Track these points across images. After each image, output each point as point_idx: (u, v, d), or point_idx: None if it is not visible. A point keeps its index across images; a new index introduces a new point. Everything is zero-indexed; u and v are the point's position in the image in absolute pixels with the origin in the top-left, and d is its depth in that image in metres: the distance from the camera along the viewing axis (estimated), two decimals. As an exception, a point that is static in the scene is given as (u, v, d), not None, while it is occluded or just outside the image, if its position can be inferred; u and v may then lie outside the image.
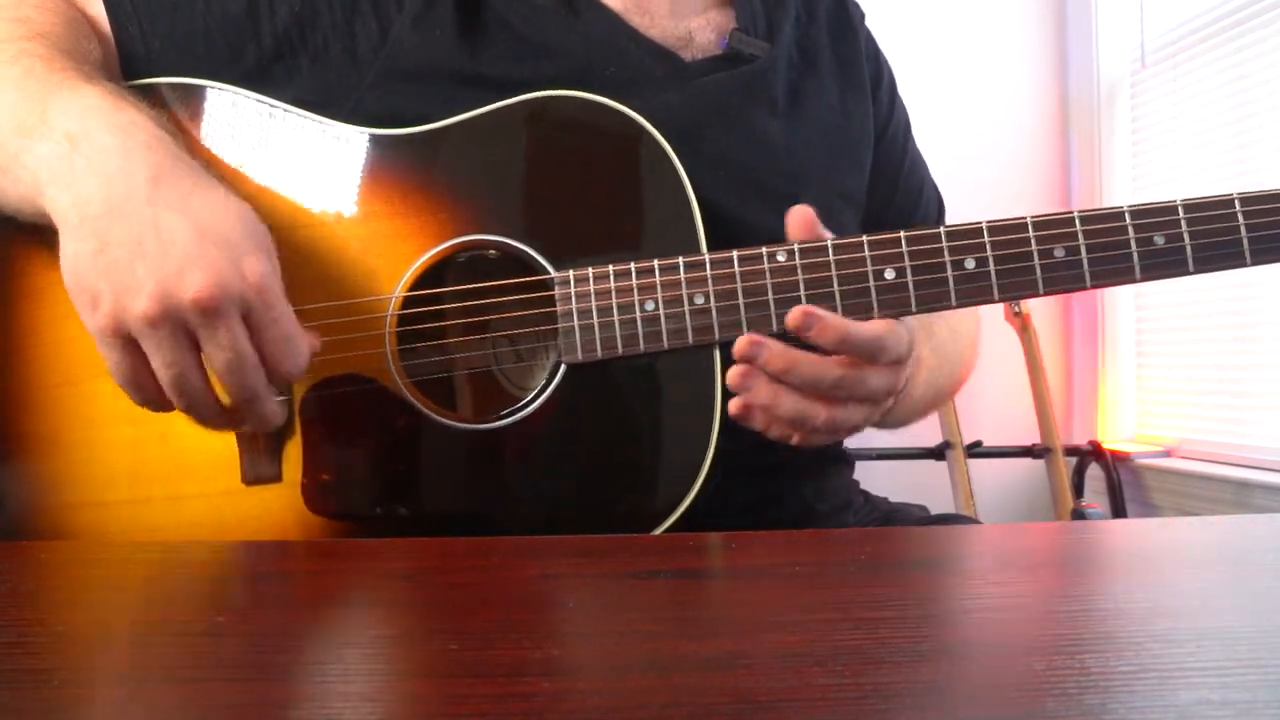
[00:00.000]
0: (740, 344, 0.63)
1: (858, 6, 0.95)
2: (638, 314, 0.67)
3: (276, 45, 0.77)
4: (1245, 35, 2.01)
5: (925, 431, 2.26)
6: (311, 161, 0.73)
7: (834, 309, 0.67)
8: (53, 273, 0.71)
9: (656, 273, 0.67)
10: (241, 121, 0.74)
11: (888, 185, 0.92)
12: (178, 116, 0.73)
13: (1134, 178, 2.39)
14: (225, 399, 0.62)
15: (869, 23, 0.96)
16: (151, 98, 0.72)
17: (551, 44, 0.78)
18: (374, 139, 0.72)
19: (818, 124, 0.84)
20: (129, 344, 0.59)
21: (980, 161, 2.38)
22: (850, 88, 0.88)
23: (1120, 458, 2.28)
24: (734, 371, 0.64)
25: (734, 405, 0.64)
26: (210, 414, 0.62)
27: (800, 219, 0.67)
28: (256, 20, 0.76)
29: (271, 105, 0.74)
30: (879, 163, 0.91)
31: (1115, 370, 2.40)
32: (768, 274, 0.67)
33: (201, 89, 0.74)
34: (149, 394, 0.61)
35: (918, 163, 0.98)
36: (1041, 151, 2.51)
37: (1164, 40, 2.26)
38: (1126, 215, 0.66)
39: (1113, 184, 2.40)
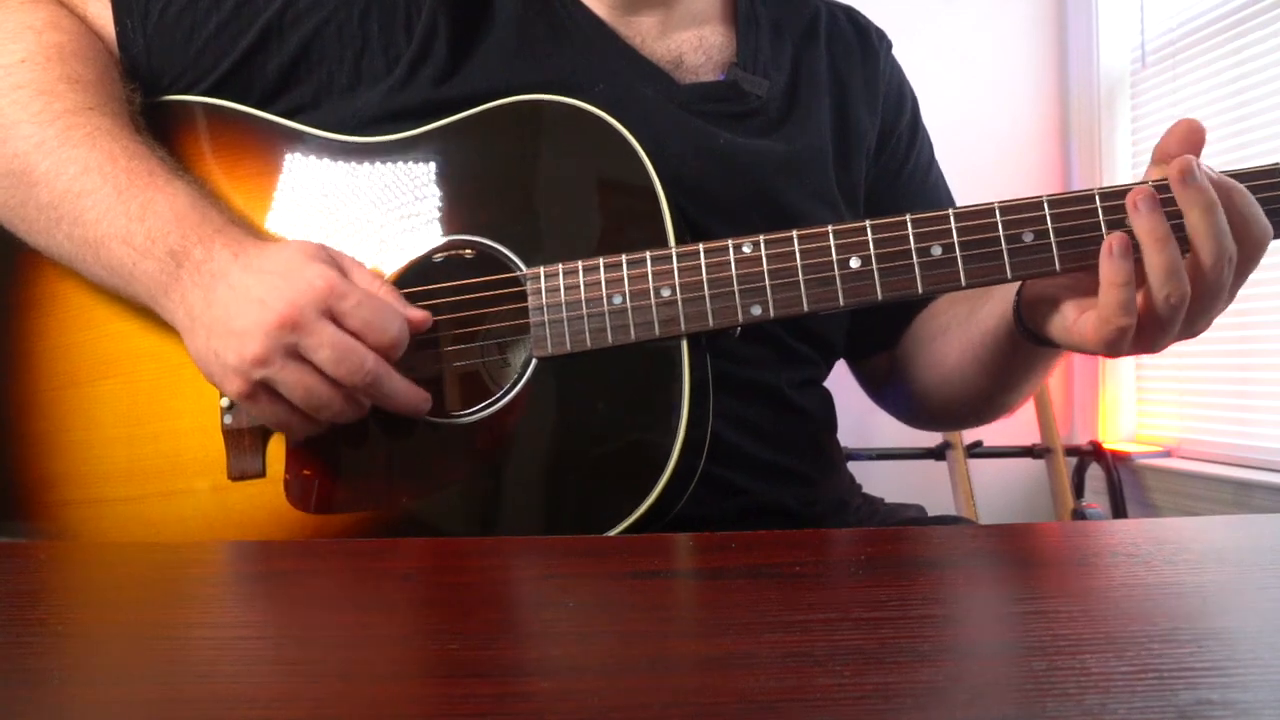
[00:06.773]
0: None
1: (883, 35, 0.94)
2: (605, 308, 0.68)
3: (283, 77, 0.78)
4: (1245, 35, 2.01)
5: (925, 432, 2.26)
6: (293, 169, 0.74)
7: (799, 299, 0.67)
8: (56, 282, 0.74)
9: (624, 267, 0.68)
10: (233, 134, 0.76)
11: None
12: (196, 132, 0.76)
13: (1134, 178, 2.38)
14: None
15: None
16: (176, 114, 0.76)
17: (546, 74, 0.78)
18: (352, 146, 0.74)
19: (806, 149, 0.84)
20: (264, 394, 0.65)
21: (980, 161, 2.38)
22: (849, 107, 0.87)
23: (1120, 458, 2.28)
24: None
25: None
26: (354, 413, 0.66)
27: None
28: (265, 57, 0.77)
29: (257, 116, 0.76)
30: (899, 192, 0.90)
31: (1115, 370, 2.40)
32: (733, 265, 0.68)
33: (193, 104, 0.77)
34: (302, 425, 0.66)
35: (940, 190, 0.97)
36: (1041, 151, 2.50)
37: (1164, 40, 2.26)
38: (1096, 198, 0.66)
39: (1112, 183, 2.40)
